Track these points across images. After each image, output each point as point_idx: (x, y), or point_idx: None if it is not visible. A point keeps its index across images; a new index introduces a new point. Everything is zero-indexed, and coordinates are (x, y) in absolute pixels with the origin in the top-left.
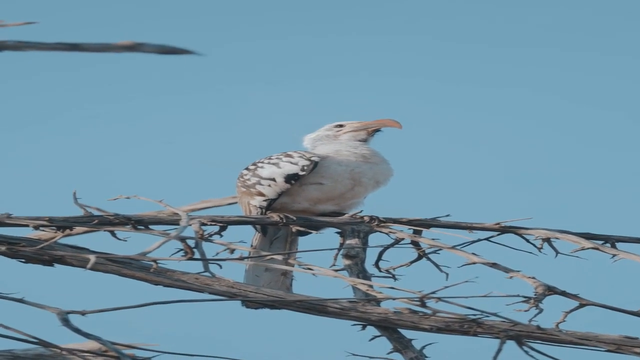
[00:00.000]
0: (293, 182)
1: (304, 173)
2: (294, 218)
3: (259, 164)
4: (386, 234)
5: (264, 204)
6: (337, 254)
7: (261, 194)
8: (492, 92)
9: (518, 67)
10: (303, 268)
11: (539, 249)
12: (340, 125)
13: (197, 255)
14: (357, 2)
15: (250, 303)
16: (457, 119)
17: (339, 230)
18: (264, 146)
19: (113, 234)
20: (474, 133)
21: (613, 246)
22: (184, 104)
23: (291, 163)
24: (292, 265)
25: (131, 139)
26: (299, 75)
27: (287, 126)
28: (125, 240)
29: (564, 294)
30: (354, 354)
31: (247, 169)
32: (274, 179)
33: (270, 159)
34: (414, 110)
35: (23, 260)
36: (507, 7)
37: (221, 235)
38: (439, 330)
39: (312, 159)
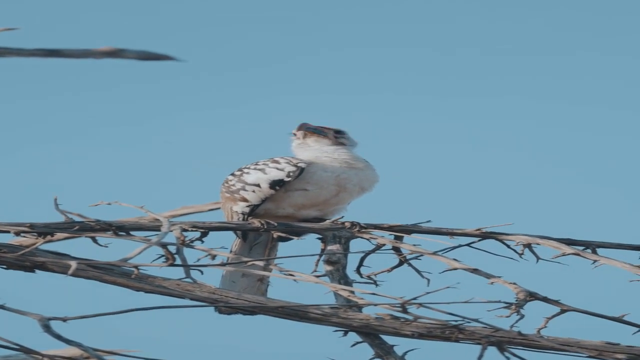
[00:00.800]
0: (278, 188)
1: (289, 179)
2: (275, 224)
3: (245, 170)
4: (367, 239)
5: (247, 209)
6: (318, 260)
7: (245, 200)
8: (476, 97)
9: (509, 73)
10: (284, 274)
11: (520, 254)
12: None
13: (178, 261)
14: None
15: (224, 308)
16: (438, 123)
17: (320, 236)
18: (262, 147)
19: (94, 240)
20: (455, 137)
21: (594, 252)
22: (182, 104)
23: (277, 169)
24: (271, 271)
25: (126, 141)
26: (296, 77)
27: (285, 127)
28: (107, 247)
29: (545, 299)
30: None
31: (232, 174)
32: (259, 185)
33: (256, 164)
34: (398, 114)
35: (4, 266)
36: (504, 10)
37: (202, 242)
38: (420, 336)
39: (299, 165)
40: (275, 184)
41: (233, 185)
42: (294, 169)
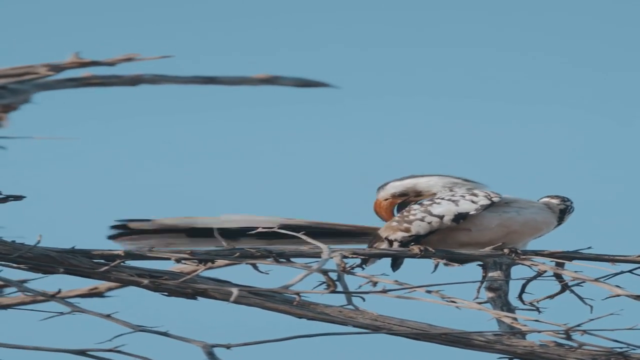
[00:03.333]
0: (461, 221)
1: (474, 212)
2: (434, 251)
3: (437, 200)
4: (528, 266)
5: (405, 240)
6: (480, 287)
7: (407, 231)
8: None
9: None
10: (446, 301)
11: None
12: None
13: (339, 288)
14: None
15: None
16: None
17: (481, 263)
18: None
19: (255, 266)
20: (609, 161)
21: None
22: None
23: (472, 202)
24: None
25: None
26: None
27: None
28: (267, 273)
29: None
30: None
31: (419, 203)
32: (442, 217)
33: (453, 195)
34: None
35: (166, 293)
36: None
37: (363, 268)
38: None
39: (494, 199)
40: (460, 217)
41: (414, 214)
42: (487, 202)
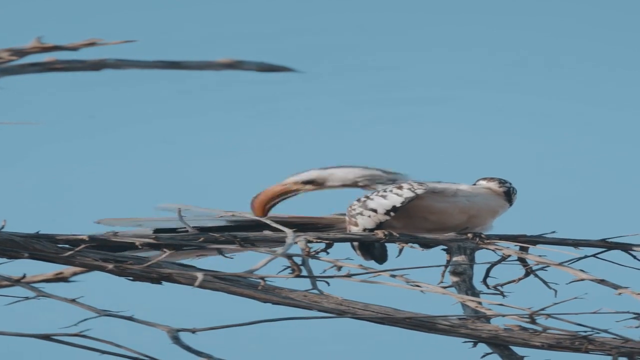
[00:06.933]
0: (392, 214)
1: (401, 205)
2: (398, 235)
3: (372, 196)
4: (492, 250)
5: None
6: (444, 271)
7: (356, 225)
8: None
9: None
10: (411, 285)
11: None
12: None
13: (304, 272)
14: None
15: None
16: (555, 129)
17: (445, 247)
18: None
19: (219, 251)
20: (580, 146)
21: None
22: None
23: (397, 195)
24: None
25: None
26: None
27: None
28: (232, 258)
29: None
30: None
31: (358, 199)
32: (375, 211)
33: (384, 190)
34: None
35: (131, 278)
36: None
37: (327, 253)
38: (550, 347)
39: (417, 191)
40: (390, 210)
41: (354, 209)
42: (411, 195)
